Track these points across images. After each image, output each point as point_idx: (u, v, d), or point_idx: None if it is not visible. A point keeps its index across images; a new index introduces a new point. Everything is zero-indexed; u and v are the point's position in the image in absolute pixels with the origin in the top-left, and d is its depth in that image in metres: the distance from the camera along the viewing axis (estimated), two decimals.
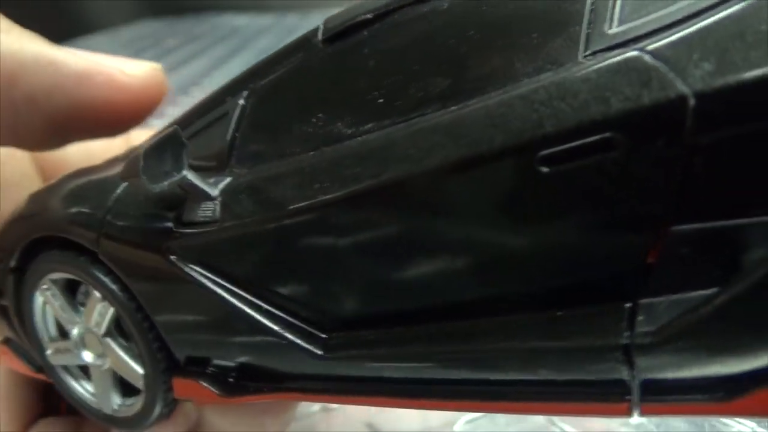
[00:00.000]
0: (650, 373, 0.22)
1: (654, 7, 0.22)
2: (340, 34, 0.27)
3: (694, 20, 0.21)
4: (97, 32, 1.44)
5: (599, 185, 0.21)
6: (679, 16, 0.21)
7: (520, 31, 0.24)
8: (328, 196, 0.24)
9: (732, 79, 0.19)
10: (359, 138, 0.25)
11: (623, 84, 0.20)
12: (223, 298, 0.27)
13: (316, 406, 0.41)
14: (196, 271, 0.27)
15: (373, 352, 0.26)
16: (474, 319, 0.24)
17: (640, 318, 0.21)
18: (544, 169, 0.21)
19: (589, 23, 0.22)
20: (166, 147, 0.26)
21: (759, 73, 0.19)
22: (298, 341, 0.27)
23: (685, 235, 0.20)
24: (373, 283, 0.26)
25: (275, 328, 0.27)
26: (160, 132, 0.28)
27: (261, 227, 0.26)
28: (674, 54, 0.20)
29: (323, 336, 0.27)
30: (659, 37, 0.21)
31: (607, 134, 0.20)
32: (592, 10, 0.23)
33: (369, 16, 0.26)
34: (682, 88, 0.19)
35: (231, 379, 0.29)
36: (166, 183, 0.26)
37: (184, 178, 0.26)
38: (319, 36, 0.27)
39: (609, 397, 0.22)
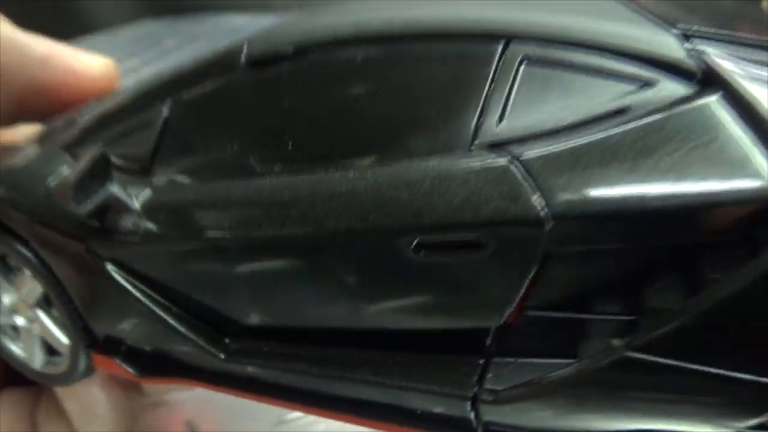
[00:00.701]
0: (493, 419, 0.26)
1: (540, 110, 0.25)
2: (261, 61, 0.29)
3: (571, 134, 0.24)
4: (97, 32, 1.44)
5: (466, 272, 0.25)
6: (559, 125, 0.24)
7: (424, 105, 0.26)
8: (233, 234, 0.27)
9: (587, 209, 0.23)
10: (267, 181, 0.28)
11: (495, 195, 0.23)
12: (137, 298, 0.30)
13: None
14: (116, 271, 0.30)
15: (265, 361, 0.30)
16: (350, 348, 0.28)
17: (489, 375, 0.26)
18: (419, 252, 0.25)
19: (481, 114, 0.25)
20: (94, 170, 0.29)
21: (609, 207, 0.23)
22: (202, 344, 0.30)
23: (533, 318, 0.25)
24: (268, 304, 0.29)
25: (183, 330, 0.30)
26: (88, 153, 0.31)
27: (175, 245, 0.29)
28: (544, 172, 0.23)
29: (226, 341, 0.30)
30: (537, 145, 0.24)
31: (477, 237, 0.24)
32: (486, 100, 0.25)
33: (289, 50, 0.28)
34: (543, 212, 0.23)
35: (144, 362, 0.32)
36: (92, 203, 0.29)
37: (110, 195, 0.29)
38: (243, 59, 0.29)
39: (457, 430, 0.27)
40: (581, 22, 0.25)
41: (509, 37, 0.25)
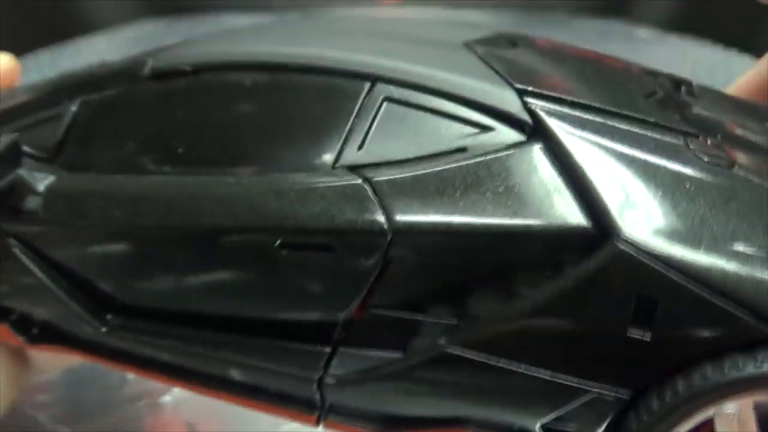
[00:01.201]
0: (335, 400, 0.31)
1: (395, 143, 0.29)
2: (162, 75, 0.33)
3: (417, 165, 0.29)
4: (97, 32, 1.44)
5: (319, 270, 0.29)
6: (408, 157, 0.29)
7: (298, 128, 0.31)
8: (121, 222, 0.31)
9: (420, 227, 0.28)
10: (156, 178, 0.31)
11: (347, 208, 0.28)
12: (32, 271, 0.33)
13: None
14: (16, 245, 0.33)
15: (140, 336, 0.33)
16: (219, 330, 0.32)
17: (334, 362, 0.30)
18: (282, 251, 0.29)
19: (345, 141, 0.30)
20: (5, 154, 0.32)
21: (437, 228, 0.27)
22: (87, 316, 0.33)
23: (374, 315, 0.29)
24: (147, 287, 0.33)
25: (70, 302, 0.33)
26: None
27: (70, 227, 0.32)
28: (389, 193, 0.28)
29: (108, 316, 0.33)
30: (387, 171, 0.28)
31: (330, 241, 0.28)
32: (350, 129, 0.30)
33: (188, 68, 0.32)
34: (385, 226, 0.28)
35: (34, 331, 0.35)
36: (2, 181, 0.32)
37: (18, 175, 0.32)
38: (146, 71, 0.33)
39: (304, 409, 0.31)
40: (437, 71, 0.30)
41: (376, 79, 0.30)
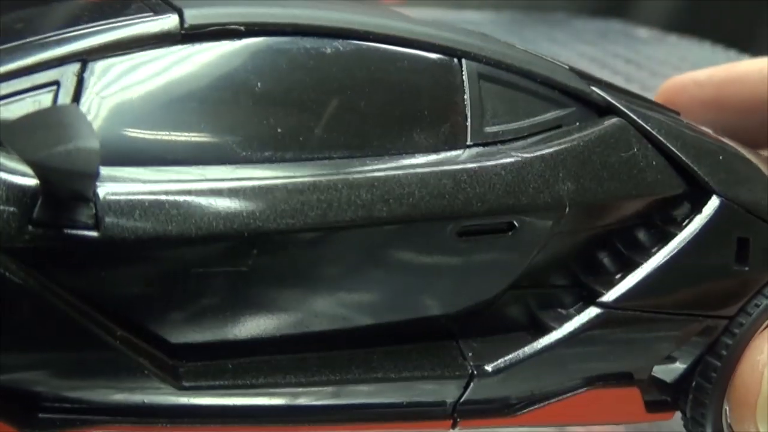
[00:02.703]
0: (473, 395, 0.28)
1: (501, 119, 0.29)
2: (204, 34, 0.25)
3: (537, 140, 0.30)
4: None
5: (492, 253, 0.28)
6: (522, 132, 0.30)
7: (411, 105, 0.28)
8: (215, 230, 0.22)
9: (581, 199, 0.30)
10: (261, 170, 0.24)
11: (530, 183, 0.28)
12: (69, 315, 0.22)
13: None
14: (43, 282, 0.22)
15: (231, 381, 0.24)
16: (330, 350, 0.26)
17: (470, 355, 0.28)
18: (460, 239, 0.27)
19: (470, 117, 0.28)
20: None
21: (585, 198, 0.30)
22: (157, 371, 0.23)
23: (514, 295, 0.30)
24: (246, 310, 0.24)
25: (129, 353, 0.23)
26: None
27: (139, 248, 0.23)
28: (547, 166, 0.29)
29: (180, 369, 0.24)
30: (520, 146, 0.29)
31: (510, 219, 0.28)
32: (468, 106, 0.29)
33: (241, 28, 0.26)
34: (565, 199, 0.29)
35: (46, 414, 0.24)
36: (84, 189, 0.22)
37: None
38: (178, 27, 0.25)
39: (439, 412, 0.28)
40: (513, 51, 0.32)
41: (462, 55, 0.29)
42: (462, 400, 0.28)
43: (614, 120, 0.31)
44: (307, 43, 0.26)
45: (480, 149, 0.29)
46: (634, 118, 0.31)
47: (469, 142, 0.29)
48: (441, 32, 0.30)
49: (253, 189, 0.23)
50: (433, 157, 0.27)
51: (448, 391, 0.28)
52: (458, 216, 0.26)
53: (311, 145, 0.26)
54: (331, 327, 0.26)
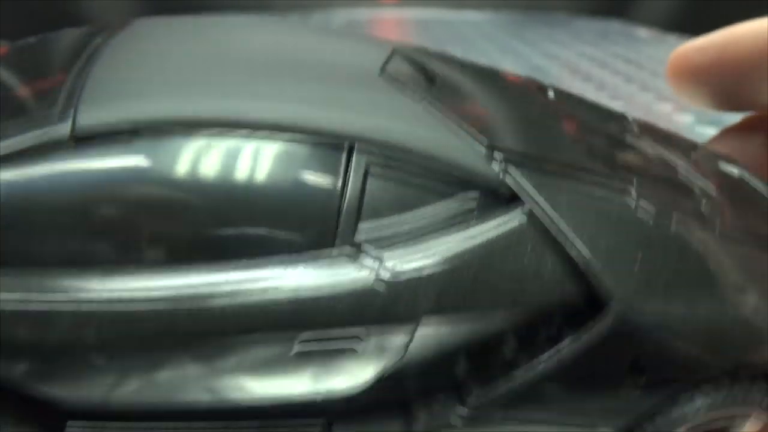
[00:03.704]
0: None
1: (386, 213, 0.27)
2: (92, 138, 0.25)
3: (423, 245, 0.27)
4: None
5: (341, 358, 0.27)
6: (406, 233, 0.27)
7: (286, 204, 0.26)
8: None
9: (437, 320, 0.27)
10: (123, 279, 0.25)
11: (374, 304, 0.25)
12: None
13: None
14: None
15: None
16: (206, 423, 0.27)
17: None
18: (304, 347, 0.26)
19: (343, 218, 0.26)
20: None
21: (455, 312, 0.27)
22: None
23: (379, 393, 0.28)
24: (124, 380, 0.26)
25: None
26: None
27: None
28: (406, 286, 0.26)
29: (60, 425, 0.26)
30: (397, 252, 0.26)
31: (355, 334, 0.26)
32: (344, 205, 0.26)
33: (127, 126, 0.25)
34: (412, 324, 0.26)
35: None
36: None
37: None
38: (67, 131, 0.25)
39: None
40: (406, 129, 0.27)
41: (352, 142, 0.26)
42: None
43: (513, 217, 0.27)
44: (190, 141, 0.26)
45: (344, 253, 0.26)
46: (543, 210, 0.27)
47: (335, 245, 0.26)
48: (342, 113, 0.27)
49: (108, 300, 0.25)
50: (290, 264, 0.26)
51: None
52: (300, 327, 0.26)
53: (180, 251, 0.26)
54: (205, 402, 0.27)
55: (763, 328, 0.27)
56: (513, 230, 0.27)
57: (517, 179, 0.27)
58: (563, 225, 0.27)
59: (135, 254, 0.25)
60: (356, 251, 0.26)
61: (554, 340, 0.27)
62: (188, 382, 0.26)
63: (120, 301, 0.25)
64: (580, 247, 0.26)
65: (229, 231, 0.26)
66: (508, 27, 1.48)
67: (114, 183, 0.25)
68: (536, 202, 0.27)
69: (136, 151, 0.25)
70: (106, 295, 0.25)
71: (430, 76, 0.32)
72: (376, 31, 1.45)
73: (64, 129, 0.25)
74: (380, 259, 0.26)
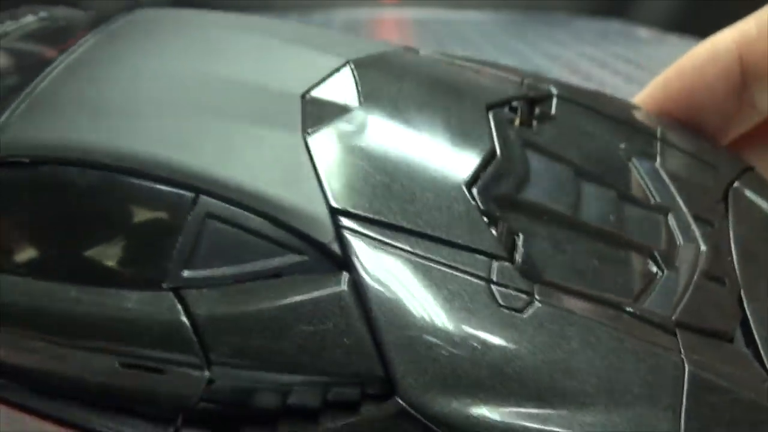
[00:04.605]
0: None
1: (217, 263, 0.29)
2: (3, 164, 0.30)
3: (236, 294, 0.28)
4: None
5: (153, 387, 0.29)
6: (224, 281, 0.29)
7: (129, 237, 0.29)
8: None
9: (233, 364, 0.28)
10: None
11: (171, 343, 0.28)
12: None
13: None
14: None
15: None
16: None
17: None
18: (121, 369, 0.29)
19: (171, 256, 0.28)
20: None
21: (251, 367, 0.28)
22: None
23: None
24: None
25: None
26: None
27: None
28: (210, 329, 0.28)
29: None
30: (208, 299, 0.28)
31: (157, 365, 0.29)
32: (178, 245, 0.28)
33: (26, 161, 0.29)
34: (204, 367, 0.28)
35: None
36: None
37: None
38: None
39: None
40: (256, 184, 0.28)
41: (198, 192, 0.28)
42: None
43: (330, 283, 0.27)
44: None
45: (171, 294, 0.28)
46: (363, 281, 0.26)
47: (165, 286, 0.28)
48: (194, 158, 0.29)
49: None
50: (123, 297, 0.29)
51: None
52: (116, 352, 0.29)
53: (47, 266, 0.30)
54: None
55: None
56: (328, 296, 0.27)
57: (347, 244, 0.27)
58: (375, 307, 0.26)
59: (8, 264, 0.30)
60: (178, 288, 0.28)
61: (347, 410, 0.27)
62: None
63: None
64: (385, 332, 0.26)
65: (82, 255, 0.30)
66: (508, 27, 1.48)
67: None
68: (358, 272, 0.27)
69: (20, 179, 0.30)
70: None
71: (368, 95, 0.32)
72: (376, 30, 1.45)
73: None
74: (198, 299, 0.28)
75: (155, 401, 0.29)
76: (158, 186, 0.29)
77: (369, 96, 0.32)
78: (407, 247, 0.27)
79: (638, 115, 0.38)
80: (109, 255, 0.29)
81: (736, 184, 0.34)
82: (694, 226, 0.32)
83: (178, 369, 0.28)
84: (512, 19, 1.57)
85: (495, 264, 0.28)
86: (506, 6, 1.62)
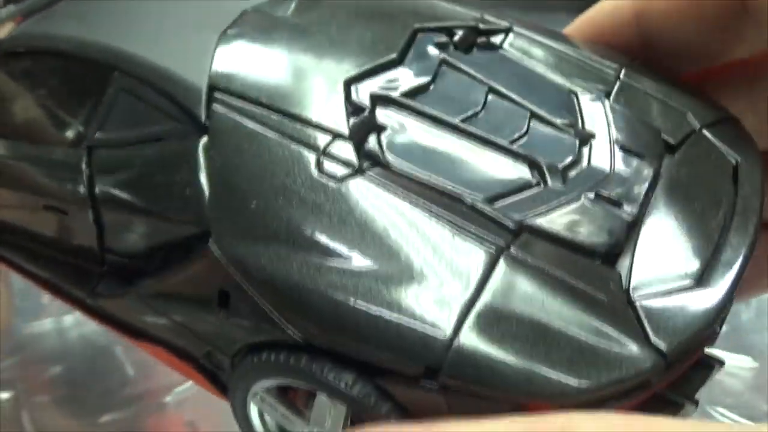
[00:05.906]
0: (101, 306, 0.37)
1: (121, 126, 0.35)
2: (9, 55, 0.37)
3: (128, 148, 0.34)
4: None
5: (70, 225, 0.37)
6: (122, 140, 0.34)
7: (61, 103, 0.36)
8: None
9: (113, 198, 0.34)
10: None
11: (72, 181, 0.35)
12: None
13: None
14: None
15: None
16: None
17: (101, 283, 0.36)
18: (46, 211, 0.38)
19: (89, 121, 0.35)
20: None
21: (130, 200, 0.33)
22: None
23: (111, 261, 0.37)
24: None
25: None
26: None
27: None
28: (101, 167, 0.34)
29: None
30: (105, 150, 0.35)
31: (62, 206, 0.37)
32: (96, 112, 0.35)
33: (21, 49, 0.37)
34: (86, 196, 0.35)
35: None
36: None
37: None
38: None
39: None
40: (157, 61, 0.33)
41: (114, 69, 0.34)
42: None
43: (189, 144, 0.31)
44: None
45: (75, 152, 0.34)
46: (211, 142, 0.31)
47: (84, 144, 0.34)
48: (121, 46, 0.34)
49: None
50: (52, 151, 0.36)
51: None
52: (41, 193, 0.37)
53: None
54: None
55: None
56: (183, 152, 0.31)
57: (211, 114, 0.31)
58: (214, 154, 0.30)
59: None
60: (91, 147, 0.34)
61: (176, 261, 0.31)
62: None
63: None
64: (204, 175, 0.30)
65: (28, 119, 0.38)
66: None
67: None
68: (210, 135, 0.31)
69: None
70: None
71: (300, 7, 0.36)
72: None
73: None
74: (101, 155, 0.34)
75: (69, 244, 0.36)
76: (87, 66, 0.35)
77: (300, 8, 0.36)
78: (262, 120, 0.30)
79: (604, 56, 0.38)
80: (49, 120, 0.37)
81: (704, 130, 0.33)
82: (613, 154, 0.31)
83: (79, 212, 0.34)
84: (512, 18, 1.56)
85: (337, 142, 0.30)
86: (506, 6, 1.61)
